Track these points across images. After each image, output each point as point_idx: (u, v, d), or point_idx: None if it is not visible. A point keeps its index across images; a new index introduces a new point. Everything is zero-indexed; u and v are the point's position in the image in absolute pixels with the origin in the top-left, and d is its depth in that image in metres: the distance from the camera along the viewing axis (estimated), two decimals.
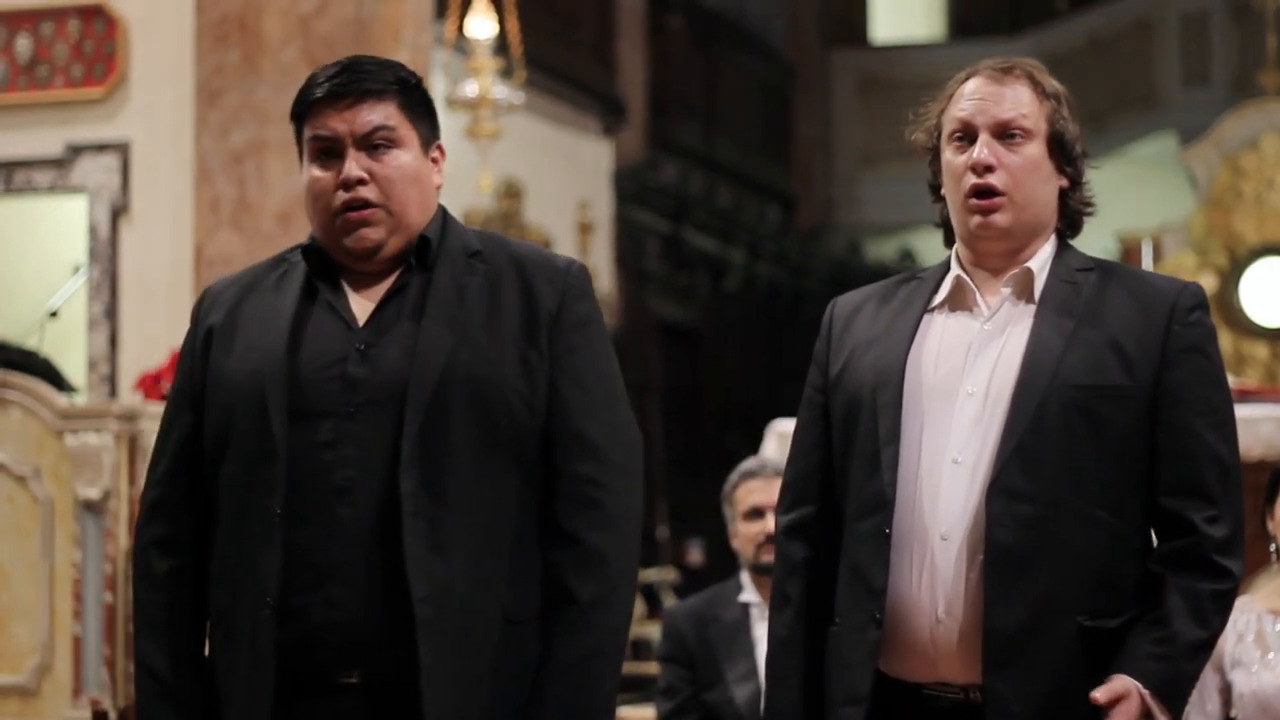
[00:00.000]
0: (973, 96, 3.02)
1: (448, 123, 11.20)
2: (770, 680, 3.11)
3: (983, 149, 2.99)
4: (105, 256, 8.11)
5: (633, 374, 14.08)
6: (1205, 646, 2.92)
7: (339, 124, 2.92)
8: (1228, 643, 4.25)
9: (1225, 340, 12.64)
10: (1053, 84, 3.06)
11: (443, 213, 3.02)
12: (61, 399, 6.48)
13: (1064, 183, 3.05)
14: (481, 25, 10.06)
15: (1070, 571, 2.88)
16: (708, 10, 15.43)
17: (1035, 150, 3.01)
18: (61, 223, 8.48)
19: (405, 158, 2.94)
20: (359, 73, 2.95)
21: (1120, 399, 2.92)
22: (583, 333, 2.96)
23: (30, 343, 7.25)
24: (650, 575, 12.06)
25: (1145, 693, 2.83)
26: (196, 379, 2.98)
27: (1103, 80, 16.20)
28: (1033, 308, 2.99)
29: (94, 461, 6.27)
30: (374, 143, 2.93)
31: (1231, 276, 12.72)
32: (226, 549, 2.91)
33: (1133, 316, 2.96)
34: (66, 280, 8.19)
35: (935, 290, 3.06)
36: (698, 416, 14.85)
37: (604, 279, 13.91)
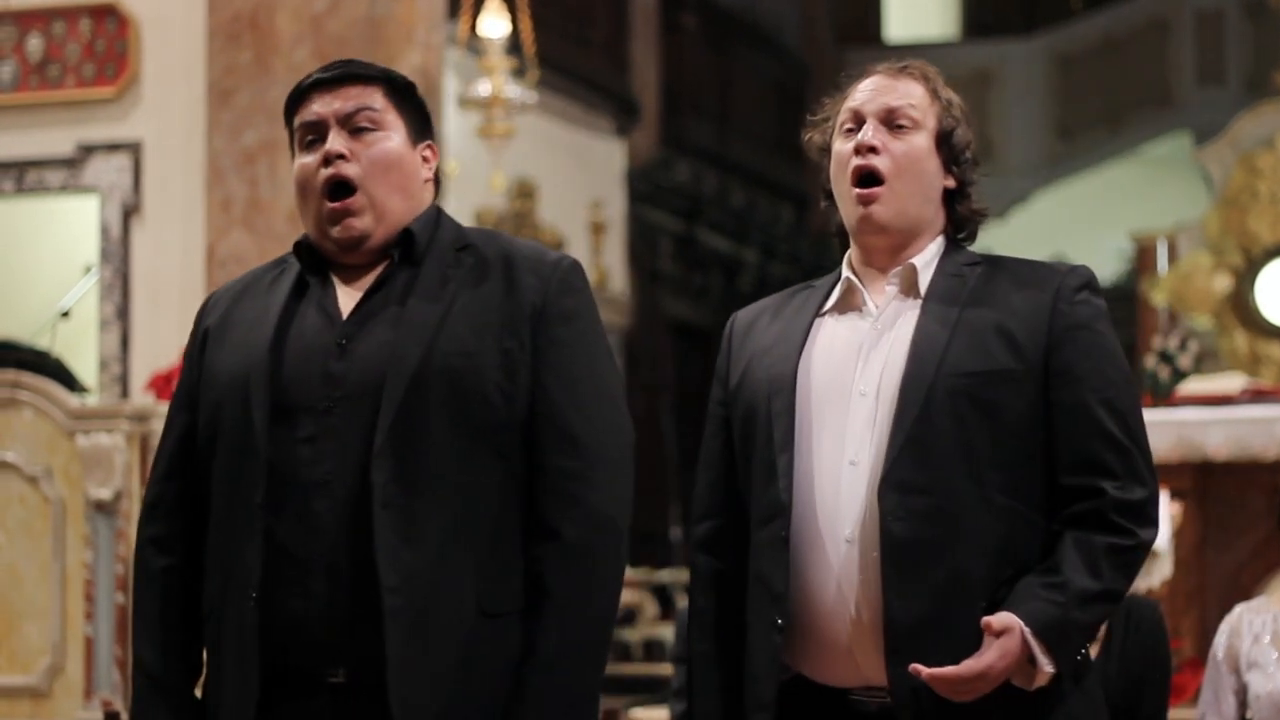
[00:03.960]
0: (865, 89, 3.06)
1: (460, 122, 11.21)
2: (691, 695, 3.11)
3: (868, 131, 3.01)
4: (117, 256, 8.11)
5: (645, 374, 14.06)
6: (1099, 599, 2.87)
7: (323, 107, 2.95)
8: (1244, 644, 4.23)
9: (1241, 340, 12.60)
10: (947, 91, 3.08)
11: (436, 211, 3.02)
12: (73, 399, 6.47)
13: (950, 183, 3.05)
14: (494, 25, 10.06)
15: (971, 559, 2.86)
16: (721, 9, 15.42)
17: (921, 141, 3.02)
18: (73, 223, 8.48)
19: (388, 142, 2.96)
20: (348, 63, 3.00)
21: (1010, 382, 2.90)
22: (570, 327, 2.94)
23: (42, 343, 7.26)
24: (663, 577, 12.05)
25: (1027, 630, 2.80)
26: (193, 380, 3.02)
27: (1117, 80, 16.17)
28: (919, 303, 2.99)
29: (105, 462, 6.27)
30: (357, 124, 2.94)
31: (1247, 276, 12.67)
32: (215, 544, 2.94)
33: (1019, 301, 2.95)
34: (78, 280, 8.20)
35: (827, 296, 3.07)
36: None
37: (617, 279, 13.89)
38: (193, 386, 3.01)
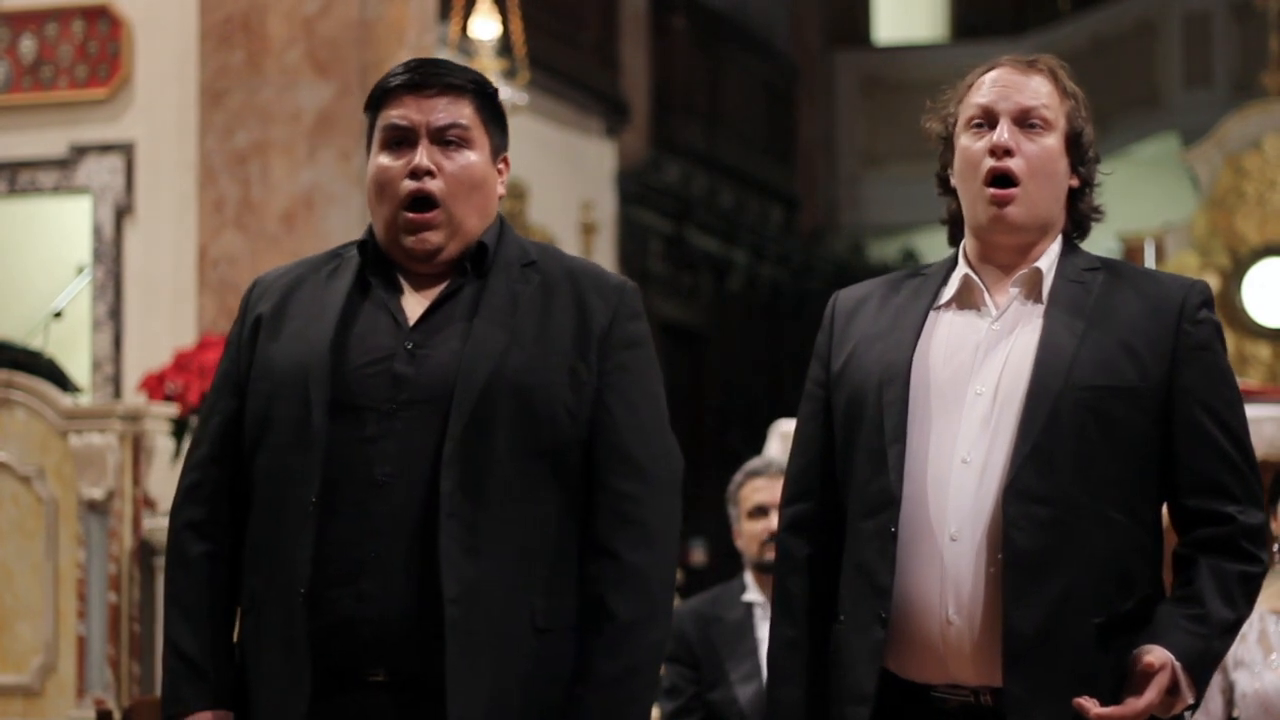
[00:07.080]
0: (995, 84, 3.02)
1: None
2: (774, 679, 3.08)
3: (1003, 132, 2.97)
4: (109, 257, 8.13)
5: None
6: (1233, 628, 2.91)
7: (416, 114, 2.93)
8: None
9: (1228, 341, 12.65)
10: (1072, 85, 3.06)
11: (500, 221, 3.01)
12: (66, 399, 6.49)
13: (1075, 183, 3.05)
14: (485, 26, 10.07)
15: (1087, 573, 2.87)
16: (711, 11, 15.43)
17: (1053, 143, 3.00)
18: (66, 223, 8.50)
19: (475, 159, 2.95)
20: (441, 67, 2.97)
21: (1133, 398, 2.91)
22: (633, 352, 2.98)
23: (35, 343, 7.28)
24: None
25: (1178, 665, 2.82)
26: (242, 366, 2.98)
27: (1105, 81, 16.19)
28: (1041, 308, 2.97)
29: (98, 461, 6.29)
30: (447, 139, 2.93)
31: (1234, 277, 12.71)
32: (260, 537, 2.91)
33: (1142, 316, 2.95)
34: (71, 281, 8.22)
35: (942, 287, 3.05)
36: (700, 417, 14.85)
37: None
38: (242, 372, 2.97)
